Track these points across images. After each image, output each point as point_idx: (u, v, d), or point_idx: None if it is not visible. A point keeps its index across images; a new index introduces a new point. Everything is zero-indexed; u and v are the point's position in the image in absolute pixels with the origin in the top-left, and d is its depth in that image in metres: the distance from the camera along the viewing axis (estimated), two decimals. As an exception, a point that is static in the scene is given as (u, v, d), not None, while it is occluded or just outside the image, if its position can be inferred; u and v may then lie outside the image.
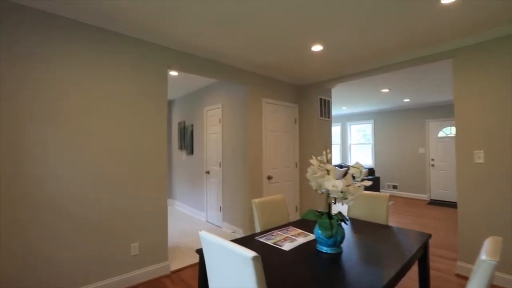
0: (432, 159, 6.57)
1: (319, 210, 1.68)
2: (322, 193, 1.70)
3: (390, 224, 4.36)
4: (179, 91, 5.15)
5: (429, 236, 1.83)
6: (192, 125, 5.08)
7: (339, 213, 1.66)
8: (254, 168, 3.64)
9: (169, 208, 5.70)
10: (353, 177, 1.67)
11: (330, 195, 1.57)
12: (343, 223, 2.09)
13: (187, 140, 5.22)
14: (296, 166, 4.36)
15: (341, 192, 1.49)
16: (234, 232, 3.95)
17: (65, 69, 2.14)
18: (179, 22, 2.32)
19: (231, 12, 2.17)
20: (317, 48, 2.93)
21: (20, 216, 1.93)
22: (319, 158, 1.84)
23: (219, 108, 4.28)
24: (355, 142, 8.35)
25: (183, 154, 5.46)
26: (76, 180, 2.18)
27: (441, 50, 2.81)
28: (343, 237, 1.55)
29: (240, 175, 3.84)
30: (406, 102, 6.26)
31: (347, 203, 1.59)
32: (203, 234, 1.15)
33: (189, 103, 5.22)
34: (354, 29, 2.47)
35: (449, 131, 6.38)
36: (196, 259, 3.06)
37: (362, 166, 1.69)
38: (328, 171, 1.62)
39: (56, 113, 2.10)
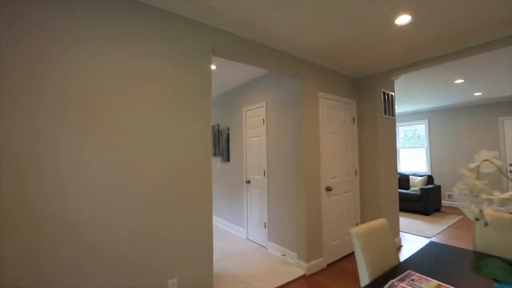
0: (510, 165, 5.46)
1: (503, 258, 0.96)
2: (486, 224, 1.00)
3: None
4: (213, 90, 4.62)
5: None
6: (228, 128, 4.51)
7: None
8: (311, 178, 2.95)
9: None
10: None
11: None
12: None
13: (222, 145, 4.65)
14: (356, 174, 3.59)
15: None
16: (284, 255, 3.26)
17: (81, 51, 1.62)
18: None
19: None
20: (403, 19, 2.21)
21: (25, 242, 1.39)
22: (472, 166, 1.13)
23: (262, 107, 3.66)
24: (405, 146, 7.34)
25: (217, 161, 4.90)
26: (95, 196, 1.63)
27: None
28: None
29: (291, 185, 3.16)
30: (477, 96, 5.26)
31: None
32: None
33: (225, 104, 4.67)
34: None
35: (533, 130, 5.25)
36: (246, 295, 2.41)
37: None
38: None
39: (70, 102, 1.57)
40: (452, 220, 5.07)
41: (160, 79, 1.90)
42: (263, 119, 3.63)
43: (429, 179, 5.94)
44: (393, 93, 3.79)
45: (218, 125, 4.83)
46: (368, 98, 3.56)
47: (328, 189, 3.13)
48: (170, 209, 1.91)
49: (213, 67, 3.33)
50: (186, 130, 2.01)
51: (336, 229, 3.24)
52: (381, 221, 1.51)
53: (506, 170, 5.51)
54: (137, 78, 1.80)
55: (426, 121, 6.76)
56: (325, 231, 3.07)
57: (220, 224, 4.79)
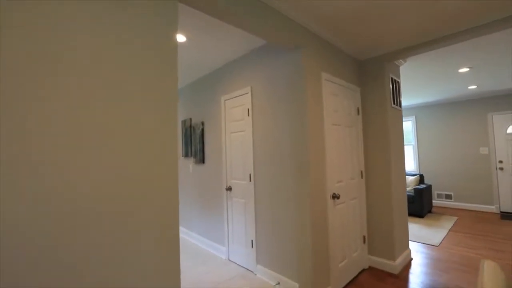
0: (500, 161, 5.26)
1: None
2: None
3: (458, 250, 2.97)
4: (184, 77, 3.76)
5: None
6: (202, 123, 3.67)
7: None
8: (315, 183, 2.24)
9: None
10: None
11: None
12: None
13: (195, 144, 3.80)
14: (362, 176, 2.97)
15: None
16: (279, 284, 2.52)
17: None
18: None
19: None
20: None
21: None
22: None
23: (247, 93, 2.90)
24: (390, 144, 6.99)
25: (189, 163, 4.03)
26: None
27: None
28: None
29: (287, 192, 2.43)
30: (469, 90, 4.97)
31: None
32: None
33: (198, 93, 3.83)
34: None
35: (523, 125, 5.09)
36: None
37: None
38: None
39: None
40: (448, 222, 4.71)
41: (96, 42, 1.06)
42: (248, 109, 2.87)
43: (421, 178, 5.59)
44: (399, 80, 3.24)
45: (190, 119, 3.98)
46: (376, 84, 2.96)
47: (335, 196, 2.45)
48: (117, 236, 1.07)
49: (182, 38, 2.50)
50: (134, 115, 1.19)
51: (343, 247, 2.57)
52: (495, 270, 0.83)
53: (496, 167, 5.31)
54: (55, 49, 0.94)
55: (413, 117, 6.46)
56: (332, 250, 2.38)
57: (192, 239, 3.92)
